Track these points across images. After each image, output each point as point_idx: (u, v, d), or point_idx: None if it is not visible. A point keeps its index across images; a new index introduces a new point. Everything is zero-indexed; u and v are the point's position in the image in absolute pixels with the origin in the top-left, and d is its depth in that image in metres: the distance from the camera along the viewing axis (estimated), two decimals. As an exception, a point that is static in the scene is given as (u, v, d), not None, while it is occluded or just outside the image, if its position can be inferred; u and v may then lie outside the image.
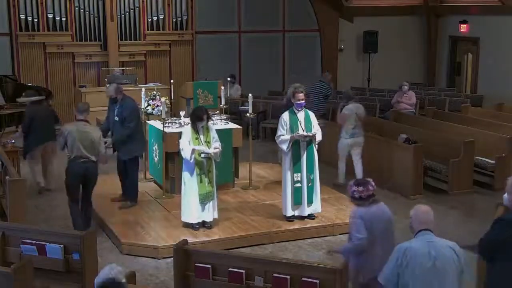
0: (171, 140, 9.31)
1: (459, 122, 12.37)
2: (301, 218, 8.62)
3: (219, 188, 9.04)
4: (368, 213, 5.48)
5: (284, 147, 8.40)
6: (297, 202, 8.52)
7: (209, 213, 8.24)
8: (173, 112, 11.82)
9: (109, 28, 15.39)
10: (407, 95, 13.61)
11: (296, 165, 8.43)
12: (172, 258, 6.22)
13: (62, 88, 15.43)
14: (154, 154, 10.01)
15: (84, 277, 5.96)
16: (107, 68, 15.34)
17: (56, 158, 10.54)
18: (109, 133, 9.11)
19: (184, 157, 8.10)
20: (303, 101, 8.45)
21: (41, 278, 6.01)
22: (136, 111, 9.10)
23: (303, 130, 8.36)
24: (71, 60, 15.44)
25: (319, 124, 8.68)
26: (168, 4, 15.98)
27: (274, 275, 5.40)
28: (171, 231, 8.25)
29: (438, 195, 10.37)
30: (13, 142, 10.46)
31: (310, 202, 8.57)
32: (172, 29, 16.13)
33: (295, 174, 8.44)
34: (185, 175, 8.19)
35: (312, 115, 8.59)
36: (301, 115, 8.45)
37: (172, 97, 10.99)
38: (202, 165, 8.08)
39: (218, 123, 9.81)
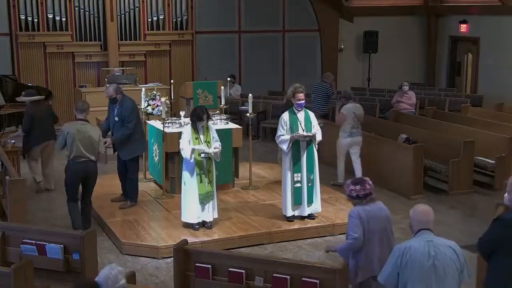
0: (171, 140, 9.32)
1: (459, 122, 12.37)
2: (301, 218, 8.63)
3: (219, 188, 9.05)
4: (365, 212, 5.49)
5: (284, 147, 8.40)
6: (297, 202, 8.52)
7: (209, 213, 8.24)
8: (173, 112, 11.82)
9: (109, 28, 15.39)
10: (407, 95, 13.61)
11: (296, 165, 8.43)
12: (172, 258, 6.22)
13: (62, 88, 15.42)
14: (154, 154, 10.01)
15: (84, 277, 5.95)
16: (107, 68, 15.33)
17: (55, 157, 10.54)
18: (109, 133, 9.12)
19: (184, 157, 8.10)
20: (303, 101, 8.45)
21: (41, 278, 6.01)
22: (136, 111, 9.10)
23: (303, 130, 8.36)
24: (71, 60, 15.44)
25: (318, 124, 8.69)
26: (168, 4, 15.98)
27: (274, 275, 5.40)
28: (171, 231, 8.25)
29: (438, 195, 10.37)
30: (13, 142, 10.45)
31: (310, 202, 8.57)
32: (172, 29, 16.13)
33: (295, 174, 8.44)
34: (185, 175, 8.19)
35: (312, 115, 8.59)
36: (301, 115, 8.45)
37: (172, 97, 11.00)
38: (202, 165, 8.09)
39: (218, 123, 9.81)
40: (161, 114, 9.46)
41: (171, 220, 8.65)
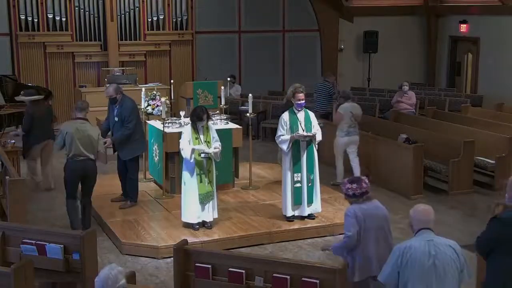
0: (171, 140, 9.32)
1: (459, 122, 12.37)
2: (301, 218, 8.62)
3: (219, 188, 9.05)
4: (362, 211, 5.50)
5: (284, 147, 8.40)
6: (297, 202, 8.52)
7: (209, 213, 8.24)
8: (173, 112, 11.82)
9: (109, 28, 15.39)
10: (407, 95, 13.61)
11: (296, 165, 8.43)
12: (172, 258, 6.22)
13: (62, 88, 15.43)
14: (154, 154, 10.01)
15: (84, 277, 5.95)
16: (107, 68, 15.33)
17: (54, 156, 10.54)
18: (109, 133, 9.12)
19: (184, 157, 8.10)
20: (303, 101, 8.45)
21: (41, 278, 6.01)
22: (136, 111, 9.10)
23: (303, 130, 8.36)
24: (71, 60, 15.44)
25: (318, 124, 8.69)
26: (168, 4, 15.98)
27: (274, 275, 5.39)
28: (171, 231, 8.25)
29: (438, 195, 10.37)
30: (13, 142, 10.45)
31: (310, 202, 8.57)
32: (172, 29, 16.13)
33: (295, 174, 8.44)
34: (185, 175, 8.19)
35: (312, 115, 8.59)
36: (301, 115, 8.45)
37: (172, 97, 10.99)
38: (202, 165, 8.08)
39: (218, 123, 9.81)
40: (161, 114, 9.46)
41: (171, 220, 8.65)
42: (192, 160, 8.00)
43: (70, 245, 6.04)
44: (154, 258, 7.73)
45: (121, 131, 8.88)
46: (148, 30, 15.86)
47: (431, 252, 4.54)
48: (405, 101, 13.55)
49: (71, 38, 15.31)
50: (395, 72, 17.70)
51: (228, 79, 13.38)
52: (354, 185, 5.56)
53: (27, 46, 15.01)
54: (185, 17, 16.18)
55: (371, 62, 18.26)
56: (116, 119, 8.92)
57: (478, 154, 10.70)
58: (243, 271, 5.52)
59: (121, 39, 15.60)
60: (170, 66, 16.32)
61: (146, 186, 10.12)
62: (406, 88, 13.61)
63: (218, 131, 8.57)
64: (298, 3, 17.47)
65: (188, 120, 8.60)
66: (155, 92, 10.62)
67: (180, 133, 8.56)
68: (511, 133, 11.07)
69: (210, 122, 8.39)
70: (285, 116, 8.44)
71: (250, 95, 10.16)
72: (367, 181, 5.63)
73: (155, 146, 9.95)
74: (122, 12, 15.54)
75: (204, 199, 8.13)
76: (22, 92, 11.14)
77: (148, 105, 10.39)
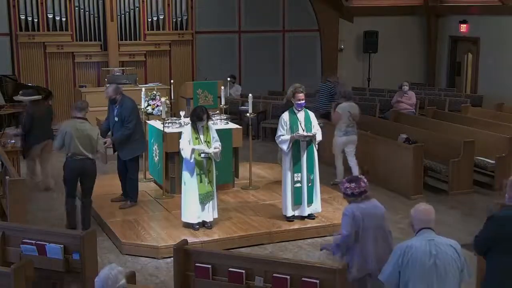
0: (171, 140, 9.31)
1: (459, 122, 12.37)
2: (301, 218, 8.62)
3: (219, 188, 9.05)
4: (360, 210, 5.51)
5: (284, 147, 8.40)
6: (297, 202, 8.52)
7: (209, 213, 8.24)
8: (173, 112, 11.82)
9: (109, 28, 15.39)
10: (407, 95, 13.61)
11: (296, 165, 8.43)
12: (172, 258, 6.21)
13: (62, 88, 15.42)
14: (154, 154, 10.01)
15: (84, 277, 5.95)
16: (107, 68, 15.33)
17: (53, 155, 10.54)
18: (109, 133, 9.11)
19: (184, 157, 8.10)
20: (303, 101, 8.45)
21: (41, 278, 6.00)
22: (136, 111, 9.10)
23: (303, 130, 8.36)
24: (71, 60, 15.44)
25: (318, 124, 8.69)
26: (168, 4, 15.98)
27: (274, 275, 5.39)
28: (171, 231, 8.25)
29: (438, 195, 10.37)
30: (13, 142, 10.45)
31: (310, 202, 8.57)
32: (172, 29, 16.12)
33: (295, 174, 8.44)
34: (185, 175, 8.19)
35: (312, 115, 8.59)
36: (301, 115, 8.45)
37: (172, 97, 10.99)
38: (202, 165, 8.08)
39: (218, 123, 9.81)
40: (161, 114, 9.46)
41: (171, 220, 8.65)
42: (192, 160, 7.99)
43: (70, 245, 6.04)
44: (154, 258, 7.73)
45: (121, 131, 8.88)
46: (148, 30, 15.86)
47: (432, 252, 4.54)
48: (405, 101, 13.55)
49: (71, 38, 15.30)
50: (395, 72, 17.70)
51: (228, 79, 13.38)
52: (353, 184, 5.57)
53: (27, 46, 15.01)
54: (185, 17, 16.17)
55: (371, 62, 18.26)
56: (116, 119, 8.92)
57: (478, 154, 10.70)
58: (243, 271, 5.52)
59: (121, 39, 15.60)
60: (170, 66, 16.32)
61: (146, 186, 10.12)
62: (406, 88, 13.61)
63: (218, 131, 8.57)
64: (298, 3, 17.47)
65: (188, 120, 8.59)
66: (155, 92, 10.62)
67: (180, 133, 8.56)
68: (511, 133, 11.08)
69: (210, 122, 8.38)
70: (285, 116, 8.44)
71: (250, 95, 10.16)
72: (365, 181, 5.64)
73: (155, 146, 9.95)
74: (122, 12, 15.54)
75: (204, 199, 8.12)
76: (20, 92, 11.15)
77: (148, 105, 10.39)
